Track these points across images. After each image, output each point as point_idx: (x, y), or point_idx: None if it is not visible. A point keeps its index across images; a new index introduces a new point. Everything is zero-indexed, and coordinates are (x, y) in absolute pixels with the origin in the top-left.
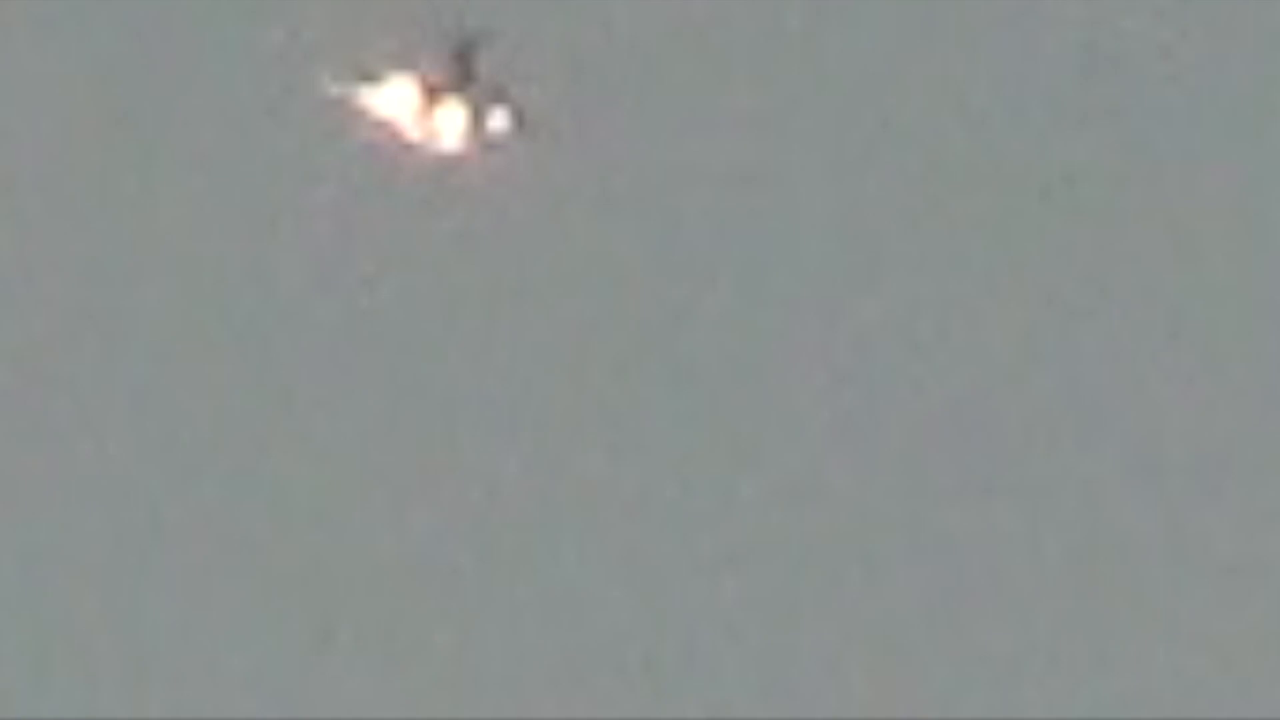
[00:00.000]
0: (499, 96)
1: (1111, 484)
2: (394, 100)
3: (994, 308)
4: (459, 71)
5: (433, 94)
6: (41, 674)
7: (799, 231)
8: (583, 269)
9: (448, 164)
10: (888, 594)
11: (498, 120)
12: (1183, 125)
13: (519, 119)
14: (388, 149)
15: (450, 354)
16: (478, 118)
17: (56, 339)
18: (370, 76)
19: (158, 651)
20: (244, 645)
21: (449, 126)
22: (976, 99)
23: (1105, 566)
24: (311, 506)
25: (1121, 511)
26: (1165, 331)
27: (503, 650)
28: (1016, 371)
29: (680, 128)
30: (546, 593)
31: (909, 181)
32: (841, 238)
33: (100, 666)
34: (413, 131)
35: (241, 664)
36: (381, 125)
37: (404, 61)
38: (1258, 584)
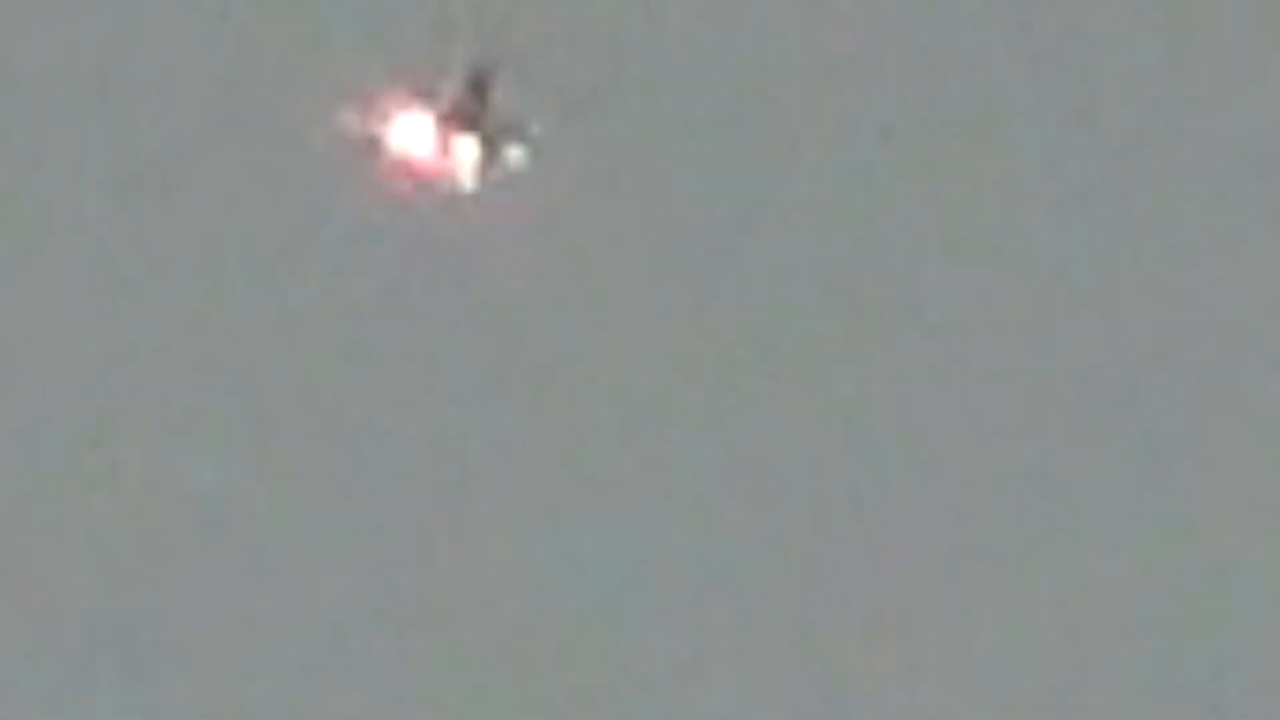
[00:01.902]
0: (514, 131)
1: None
2: (409, 136)
3: (1003, 299)
4: (474, 107)
5: (448, 129)
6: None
7: (817, 266)
8: (596, 300)
9: (463, 198)
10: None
11: (514, 155)
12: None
13: (534, 153)
14: (403, 183)
15: (462, 383)
16: (493, 152)
17: (51, 346)
18: (386, 112)
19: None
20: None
21: (464, 161)
22: (999, 133)
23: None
24: (314, 529)
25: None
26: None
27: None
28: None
29: (695, 162)
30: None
31: (923, 204)
32: (861, 269)
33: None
34: (428, 166)
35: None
36: (397, 160)
37: (419, 97)
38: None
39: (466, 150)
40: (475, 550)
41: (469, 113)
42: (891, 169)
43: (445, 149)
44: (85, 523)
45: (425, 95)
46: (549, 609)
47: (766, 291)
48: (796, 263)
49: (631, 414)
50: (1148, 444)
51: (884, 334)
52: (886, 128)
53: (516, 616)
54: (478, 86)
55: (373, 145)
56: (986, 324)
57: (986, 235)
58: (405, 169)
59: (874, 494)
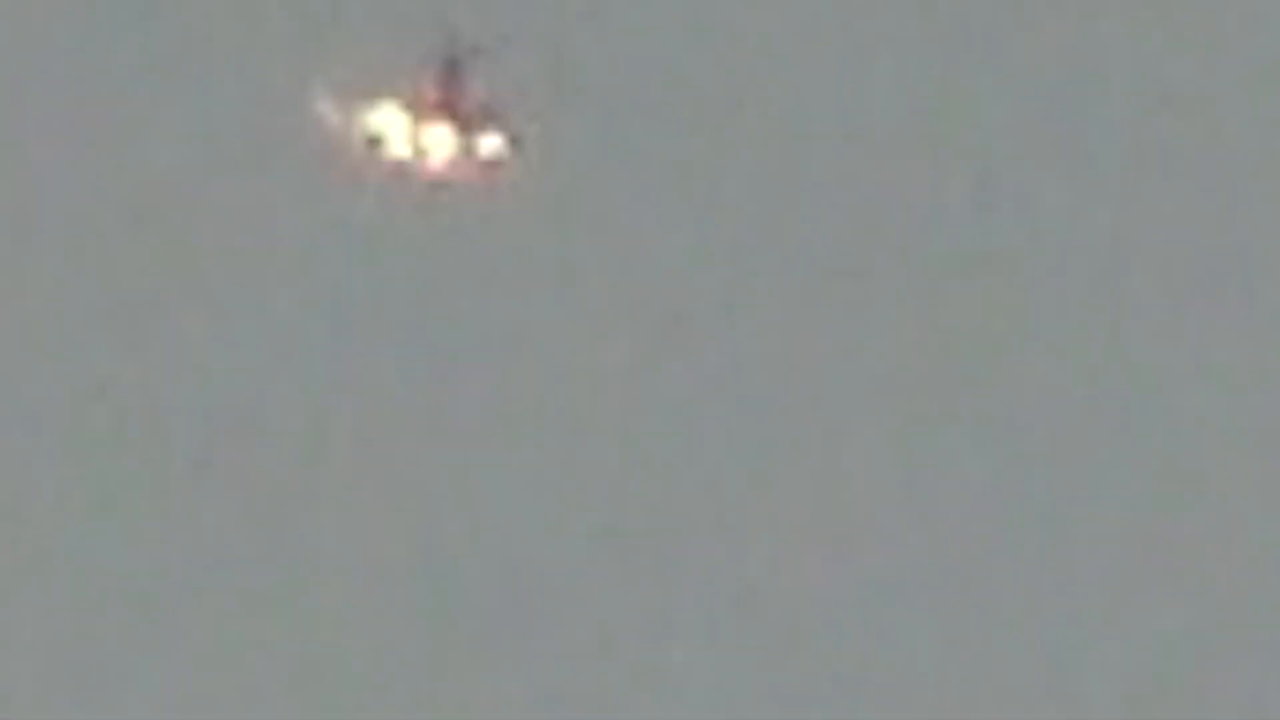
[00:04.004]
0: (490, 117)
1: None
2: (384, 122)
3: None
4: (449, 93)
5: (422, 115)
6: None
7: (803, 255)
8: (573, 288)
9: (437, 184)
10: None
11: (490, 142)
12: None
13: (510, 140)
14: (377, 170)
15: (440, 370)
16: (468, 139)
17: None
18: (361, 98)
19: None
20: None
21: (438, 147)
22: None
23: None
24: (306, 517)
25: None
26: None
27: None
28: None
29: (672, 147)
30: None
31: (913, 183)
32: (843, 241)
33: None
34: (402, 152)
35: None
36: (371, 146)
37: (394, 83)
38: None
39: (441, 139)
40: (465, 542)
41: (443, 101)
42: (879, 152)
43: (419, 138)
44: (90, 529)
45: (398, 84)
46: (533, 604)
47: (756, 285)
48: (783, 258)
49: (609, 405)
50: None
51: (879, 317)
52: (872, 112)
53: (504, 617)
54: (452, 74)
55: (346, 136)
56: (992, 322)
57: (993, 233)
58: (379, 159)
59: (877, 506)
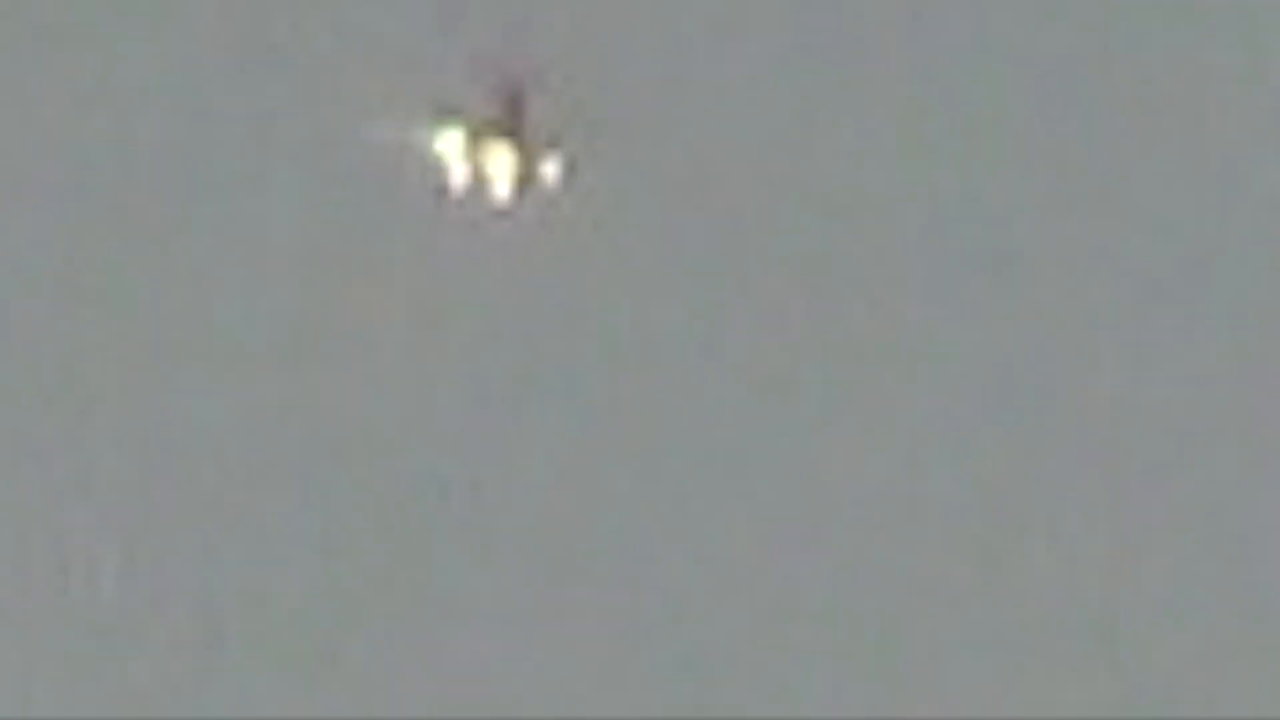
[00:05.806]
0: (550, 144)
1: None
2: (444, 147)
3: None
4: (509, 119)
5: (482, 141)
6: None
7: (855, 288)
8: (628, 316)
9: (497, 210)
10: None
11: (548, 169)
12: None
13: (569, 166)
14: (437, 195)
15: (494, 398)
16: (528, 165)
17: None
18: (421, 123)
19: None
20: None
21: (498, 173)
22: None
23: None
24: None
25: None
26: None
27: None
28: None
29: (726, 177)
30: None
31: (956, 205)
32: (907, 283)
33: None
34: (462, 178)
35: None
36: (431, 171)
37: (454, 109)
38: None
39: (501, 164)
40: (502, 575)
41: (504, 126)
42: (928, 183)
43: (480, 163)
44: (146, 524)
45: (459, 109)
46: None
47: (805, 310)
48: (836, 282)
49: (659, 431)
50: None
51: (919, 342)
52: (927, 143)
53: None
54: (513, 100)
55: (406, 161)
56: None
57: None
58: (439, 184)
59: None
